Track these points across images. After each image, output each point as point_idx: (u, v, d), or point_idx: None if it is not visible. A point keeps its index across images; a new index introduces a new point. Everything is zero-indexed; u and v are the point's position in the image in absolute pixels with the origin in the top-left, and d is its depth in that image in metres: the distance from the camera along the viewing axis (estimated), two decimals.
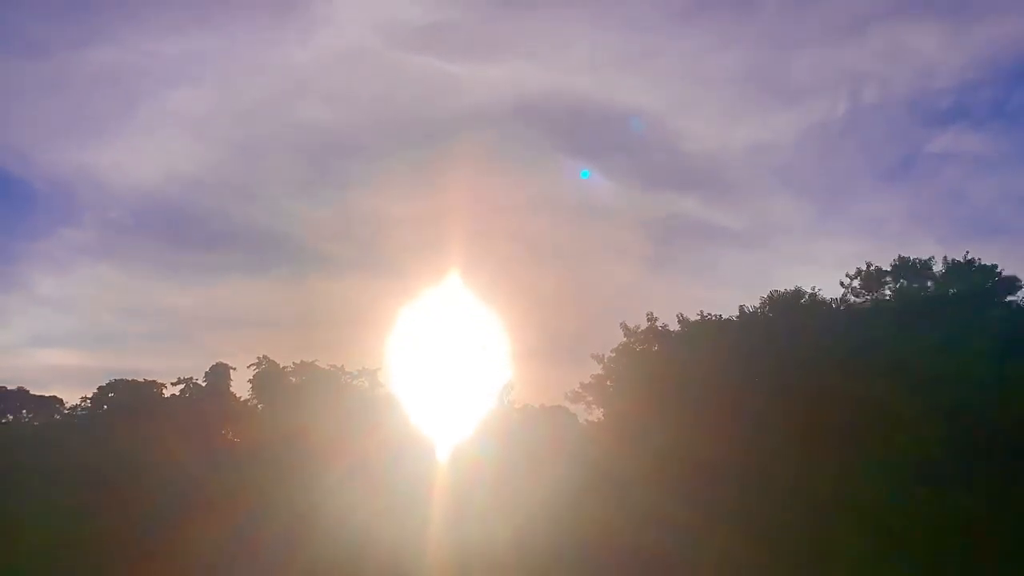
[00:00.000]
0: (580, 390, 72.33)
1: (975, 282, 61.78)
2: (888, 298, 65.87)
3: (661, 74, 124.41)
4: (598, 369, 71.71)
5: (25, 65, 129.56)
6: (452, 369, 77.22)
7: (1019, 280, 62.09)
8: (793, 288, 67.88)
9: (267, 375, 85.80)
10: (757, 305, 68.44)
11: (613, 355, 71.29)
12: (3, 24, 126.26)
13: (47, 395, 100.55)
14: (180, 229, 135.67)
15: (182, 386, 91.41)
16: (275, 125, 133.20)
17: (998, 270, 62.78)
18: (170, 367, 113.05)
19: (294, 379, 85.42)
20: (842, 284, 67.49)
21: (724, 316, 68.86)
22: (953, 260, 64.31)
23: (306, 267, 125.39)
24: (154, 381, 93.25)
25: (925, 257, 65.63)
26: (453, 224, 78.61)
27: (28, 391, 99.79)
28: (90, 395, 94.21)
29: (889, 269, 66.32)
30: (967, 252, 63.94)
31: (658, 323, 70.56)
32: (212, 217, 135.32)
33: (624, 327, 71.07)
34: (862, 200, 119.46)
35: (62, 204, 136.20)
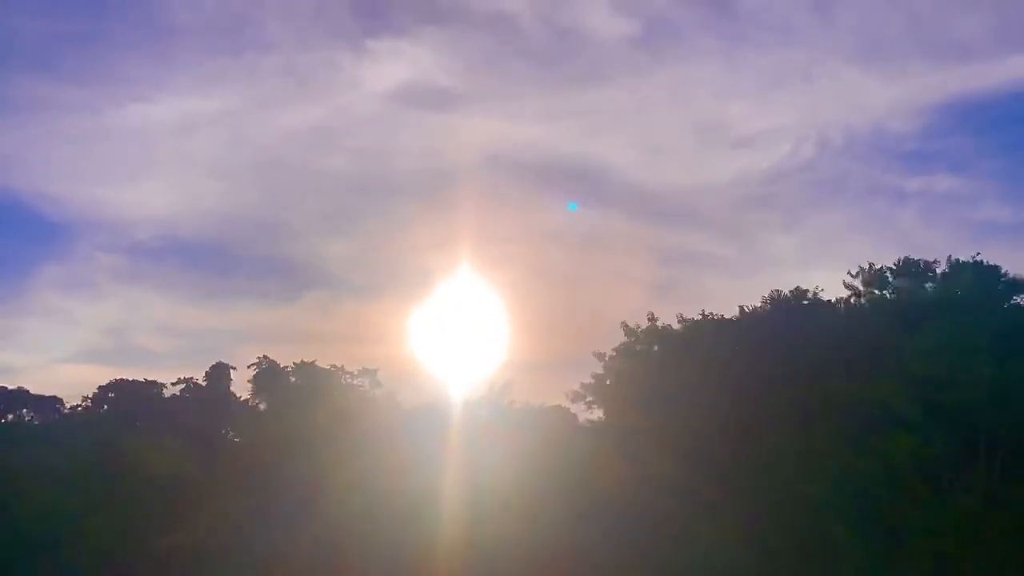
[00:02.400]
0: (580, 390, 72.30)
1: (979, 282, 61.36)
2: (891, 297, 65.59)
3: (638, 125, 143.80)
4: (598, 368, 71.73)
5: (65, 119, 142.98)
6: (457, 372, 78.85)
7: (1014, 279, 61.71)
8: (794, 288, 67.81)
9: (267, 375, 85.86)
10: (758, 304, 68.43)
11: (614, 354, 71.21)
12: (46, 88, 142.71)
13: (47, 395, 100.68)
14: (214, 260, 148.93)
15: (182, 386, 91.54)
16: (301, 170, 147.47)
17: (1003, 271, 62.35)
18: None
19: (294, 379, 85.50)
20: (845, 284, 67.31)
21: (725, 315, 68.93)
22: (957, 260, 63.83)
23: (334, 292, 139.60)
24: (154, 381, 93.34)
25: (930, 259, 65.39)
26: (462, 251, 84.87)
27: (28, 391, 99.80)
28: (90, 395, 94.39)
29: (893, 268, 65.90)
30: (977, 253, 63.40)
31: (659, 323, 70.57)
32: (244, 250, 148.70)
33: (625, 327, 70.94)
34: (842, 232, 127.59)
35: (100, 235, 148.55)
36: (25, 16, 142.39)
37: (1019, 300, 61.49)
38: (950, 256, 64.50)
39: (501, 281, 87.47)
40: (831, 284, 68.72)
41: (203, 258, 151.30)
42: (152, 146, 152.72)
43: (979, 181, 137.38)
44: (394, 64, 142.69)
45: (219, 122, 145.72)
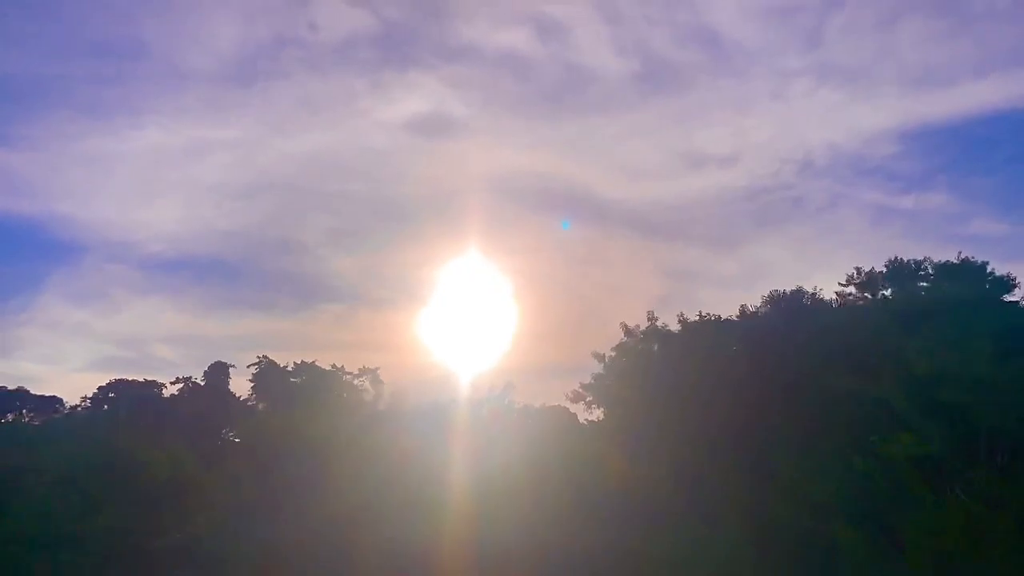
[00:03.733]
0: (580, 389, 72.32)
1: (969, 282, 61.55)
2: (888, 297, 65.77)
3: (633, 151, 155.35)
4: (599, 368, 71.70)
5: (86, 147, 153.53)
6: (459, 374, 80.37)
7: (1013, 278, 61.95)
8: (794, 288, 67.88)
9: (267, 374, 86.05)
10: (758, 305, 68.43)
11: (613, 354, 71.21)
12: (71, 119, 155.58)
13: (47, 395, 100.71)
14: (228, 275, 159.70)
15: (181, 386, 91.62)
16: (313, 192, 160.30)
17: (989, 269, 62.62)
18: None
19: (294, 379, 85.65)
20: (840, 285, 67.41)
21: (724, 316, 68.92)
22: (945, 261, 64.17)
23: (344, 305, 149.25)
24: (154, 381, 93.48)
25: (919, 258, 65.65)
26: (468, 265, 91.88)
27: (28, 391, 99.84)
28: (90, 395, 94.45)
29: (883, 271, 66.18)
30: (959, 252, 63.95)
31: (658, 323, 70.54)
32: (258, 265, 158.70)
33: (624, 326, 70.95)
34: (828, 245, 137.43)
35: (116, 252, 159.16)
36: (55, 58, 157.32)
37: (1012, 298, 61.63)
38: (928, 257, 65.21)
39: (503, 293, 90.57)
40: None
41: (217, 273, 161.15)
42: (168, 170, 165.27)
43: (954, 199, 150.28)
44: (408, 96, 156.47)
45: (234, 147, 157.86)
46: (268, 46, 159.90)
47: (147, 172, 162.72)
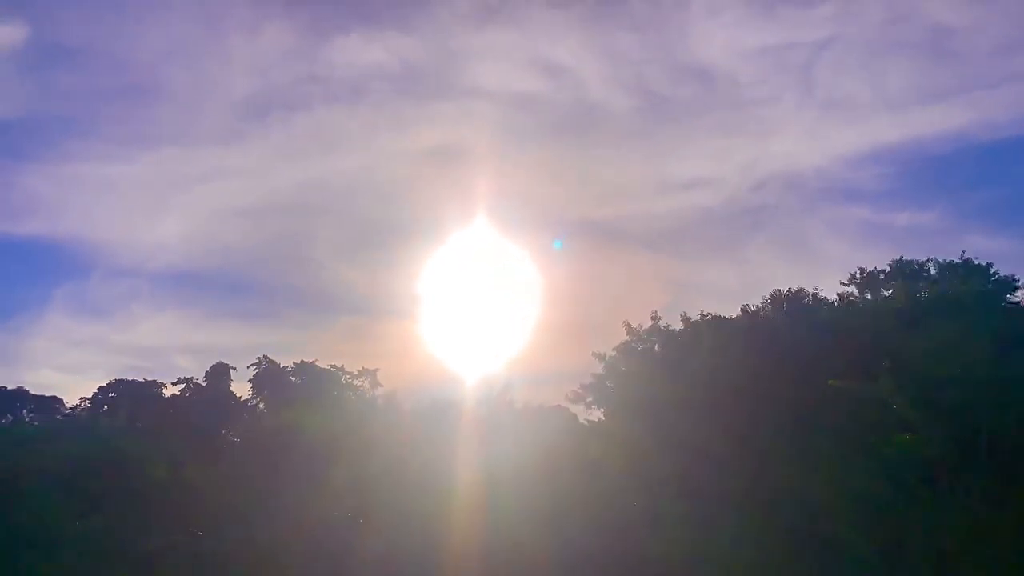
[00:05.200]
0: (580, 390, 72.16)
1: (973, 282, 61.54)
2: (888, 298, 65.76)
3: (630, 175, 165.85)
4: (599, 368, 71.54)
5: (105, 171, 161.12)
6: (460, 375, 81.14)
7: (1017, 279, 61.92)
8: (795, 288, 67.83)
9: (267, 375, 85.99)
10: (759, 304, 68.35)
11: (614, 354, 71.05)
12: (87, 146, 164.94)
13: (47, 395, 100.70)
14: (246, 289, 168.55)
15: (182, 386, 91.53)
16: (329, 212, 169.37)
17: (993, 270, 62.62)
18: None
19: (294, 379, 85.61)
20: (841, 284, 67.45)
21: (726, 316, 68.78)
22: (948, 261, 64.14)
23: (359, 315, 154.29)
24: (154, 381, 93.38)
25: (923, 259, 65.70)
26: (473, 280, 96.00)
27: (28, 391, 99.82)
28: (90, 395, 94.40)
29: (887, 270, 66.20)
30: (963, 252, 63.98)
31: (661, 322, 70.36)
32: (273, 278, 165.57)
33: (627, 326, 70.70)
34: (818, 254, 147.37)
35: (130, 266, 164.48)
36: (78, 98, 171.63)
37: (1014, 299, 61.57)
38: (930, 257, 65.28)
39: (506, 302, 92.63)
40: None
41: (232, 288, 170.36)
42: (183, 193, 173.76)
43: (936, 217, 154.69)
44: (421, 128, 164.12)
45: (250, 173, 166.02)
46: (286, 82, 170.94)
47: (163, 195, 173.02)
